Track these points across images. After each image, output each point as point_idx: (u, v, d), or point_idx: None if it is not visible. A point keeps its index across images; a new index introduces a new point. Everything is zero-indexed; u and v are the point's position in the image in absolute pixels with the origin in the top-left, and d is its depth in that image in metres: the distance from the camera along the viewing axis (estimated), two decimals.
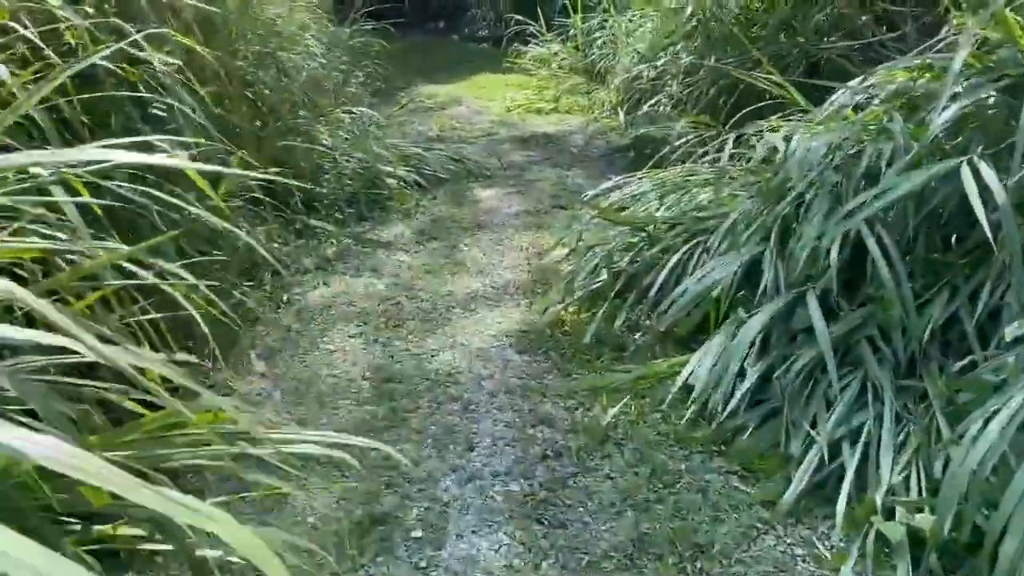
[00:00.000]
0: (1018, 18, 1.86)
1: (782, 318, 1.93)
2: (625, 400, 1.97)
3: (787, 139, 2.59)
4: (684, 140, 3.33)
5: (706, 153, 3.09)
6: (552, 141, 5.04)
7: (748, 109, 3.01)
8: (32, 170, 1.23)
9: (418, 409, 1.95)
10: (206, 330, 1.34)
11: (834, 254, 1.86)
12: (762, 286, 2.09)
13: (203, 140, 2.17)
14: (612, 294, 2.40)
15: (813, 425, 1.74)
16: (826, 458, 1.67)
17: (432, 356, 2.23)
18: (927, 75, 2.15)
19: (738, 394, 1.84)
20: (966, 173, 1.67)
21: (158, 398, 0.86)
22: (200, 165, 1.30)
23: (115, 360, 0.79)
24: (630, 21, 5.94)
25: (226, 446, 1.05)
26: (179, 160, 1.34)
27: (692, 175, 2.84)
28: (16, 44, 1.63)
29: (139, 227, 1.87)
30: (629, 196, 2.88)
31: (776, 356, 1.90)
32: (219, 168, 2.13)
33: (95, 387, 1.18)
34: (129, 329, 1.53)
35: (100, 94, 1.67)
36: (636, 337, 2.31)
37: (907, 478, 1.56)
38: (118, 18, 1.75)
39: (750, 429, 1.82)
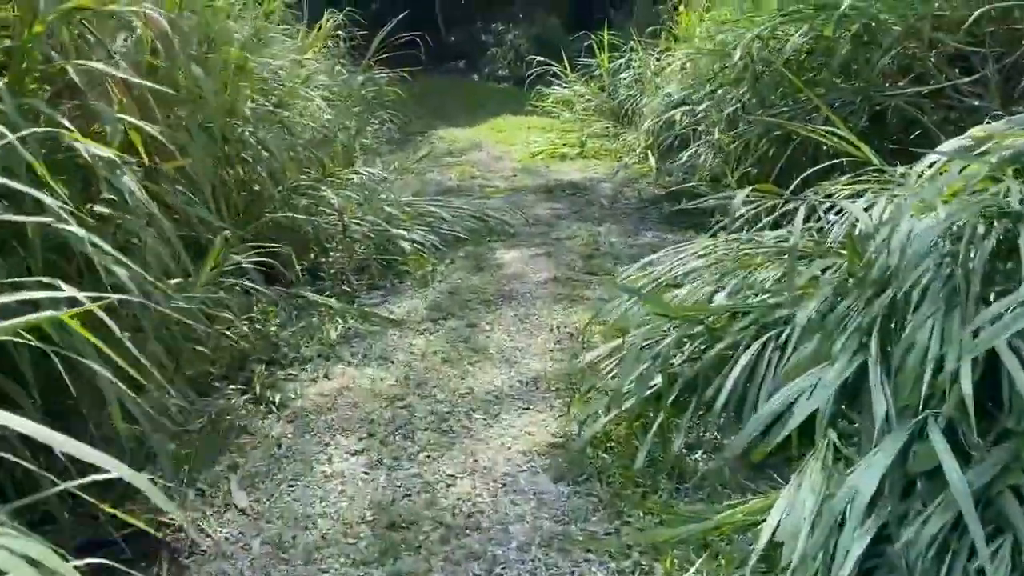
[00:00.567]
0: None
1: (898, 460, 1.50)
2: (694, 561, 1.54)
3: (869, 209, 2.20)
4: (728, 196, 2.93)
5: (758, 217, 2.69)
6: (579, 191, 4.68)
7: (814, 169, 2.61)
8: None
9: (429, 573, 1.54)
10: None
11: (967, 382, 1.43)
12: (863, 405, 1.67)
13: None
14: (668, 402, 1.98)
15: None
16: None
17: (448, 487, 1.82)
18: None
19: (848, 566, 1.40)
20: None
21: None
22: None
23: None
24: (658, 60, 5.61)
25: None
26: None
27: (752, 247, 2.44)
28: None
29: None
30: (678, 272, 2.47)
31: (891, 512, 1.46)
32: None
33: None
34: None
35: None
36: (699, 459, 1.89)
37: None
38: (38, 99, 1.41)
39: None
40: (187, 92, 1.71)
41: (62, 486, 0.95)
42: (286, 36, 4.29)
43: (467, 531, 1.66)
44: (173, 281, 2.11)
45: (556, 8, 9.19)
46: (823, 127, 2.70)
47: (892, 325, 1.74)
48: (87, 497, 1.11)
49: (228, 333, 2.34)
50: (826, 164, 2.63)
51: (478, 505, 1.75)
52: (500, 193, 4.57)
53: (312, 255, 3.18)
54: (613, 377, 2.15)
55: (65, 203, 1.43)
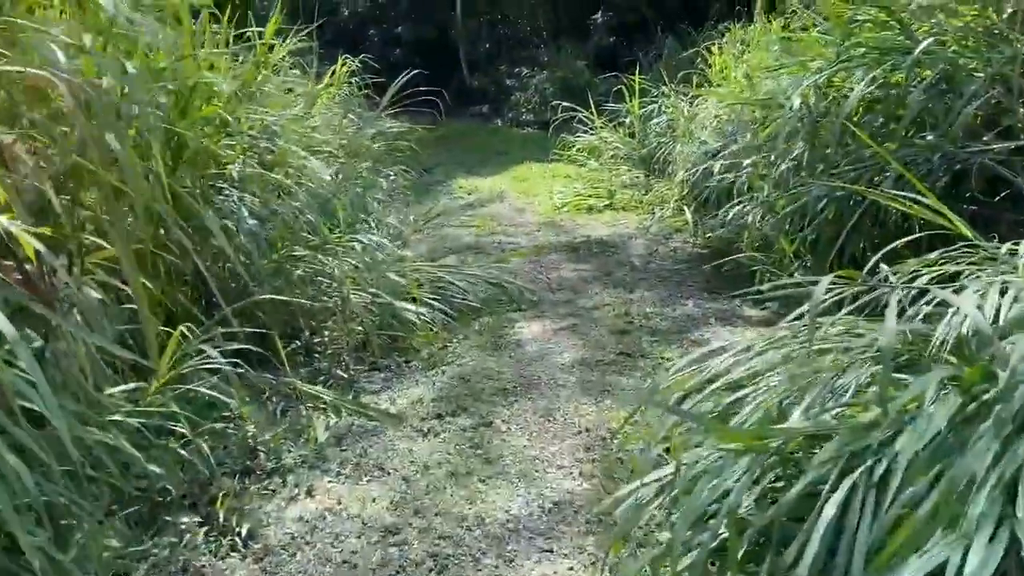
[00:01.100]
0: None
1: None
2: None
3: (981, 305, 1.75)
4: (794, 279, 2.50)
5: (837, 300, 2.24)
6: (608, 249, 4.27)
7: (892, 245, 2.17)
8: None
9: None
10: None
11: None
12: None
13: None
14: (736, 560, 1.52)
15: None
16: None
17: None
18: None
19: None
20: None
21: None
22: None
23: None
24: (691, 105, 5.25)
25: None
26: None
27: (827, 344, 1.99)
28: None
29: None
30: (739, 374, 2.03)
31: None
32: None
33: None
34: None
35: None
36: None
37: None
38: None
39: None
40: (102, 167, 1.39)
41: None
42: (297, 84, 4.03)
43: None
44: (119, 389, 1.74)
45: (582, 51, 8.94)
46: (894, 191, 2.28)
47: None
48: None
49: (193, 443, 1.95)
50: (907, 239, 2.19)
51: None
52: (521, 254, 4.18)
53: (308, 332, 2.81)
54: (659, 522, 1.70)
55: None
